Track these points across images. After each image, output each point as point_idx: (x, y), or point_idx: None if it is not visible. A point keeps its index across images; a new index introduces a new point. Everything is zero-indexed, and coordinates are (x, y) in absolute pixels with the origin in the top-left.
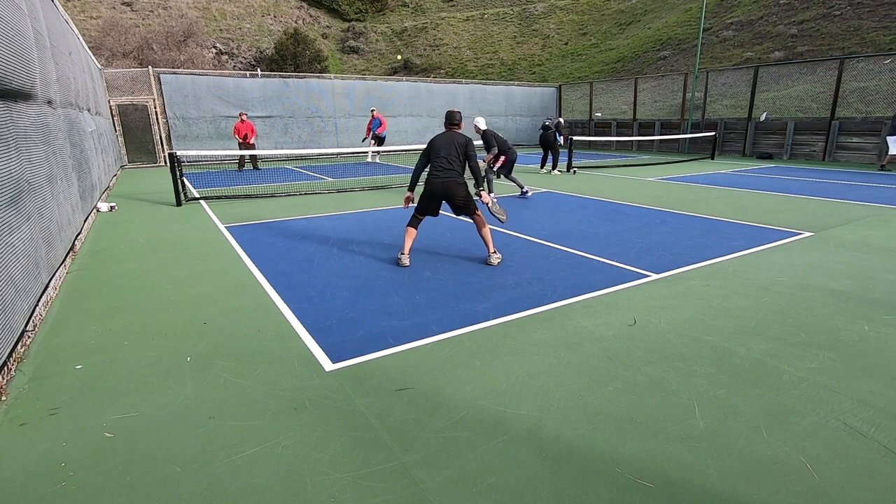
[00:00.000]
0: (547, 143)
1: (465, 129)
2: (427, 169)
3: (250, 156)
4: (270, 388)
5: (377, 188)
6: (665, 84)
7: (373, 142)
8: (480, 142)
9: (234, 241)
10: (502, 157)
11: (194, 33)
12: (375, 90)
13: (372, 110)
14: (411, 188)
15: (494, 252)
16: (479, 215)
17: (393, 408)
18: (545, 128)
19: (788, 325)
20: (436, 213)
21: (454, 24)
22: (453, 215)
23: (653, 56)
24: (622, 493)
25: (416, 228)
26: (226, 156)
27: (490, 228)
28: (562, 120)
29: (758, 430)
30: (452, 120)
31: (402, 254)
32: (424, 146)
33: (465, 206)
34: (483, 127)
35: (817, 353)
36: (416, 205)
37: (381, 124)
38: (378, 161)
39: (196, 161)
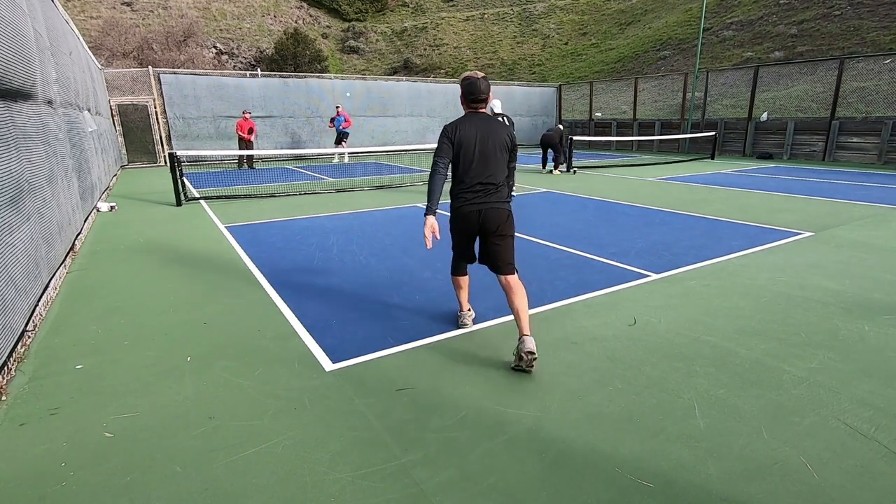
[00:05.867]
0: (549, 143)
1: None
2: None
3: (247, 155)
4: (270, 388)
5: (377, 188)
6: (665, 84)
7: (343, 143)
8: None
9: (234, 241)
10: None
11: (194, 33)
12: (375, 90)
13: (337, 107)
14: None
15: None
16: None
17: (393, 408)
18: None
19: (788, 325)
20: (472, 259)
21: (454, 24)
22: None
23: (653, 56)
24: (622, 493)
25: (465, 273)
26: (226, 156)
27: None
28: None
29: (758, 430)
30: (478, 94)
31: (461, 311)
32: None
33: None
34: (496, 110)
35: (817, 353)
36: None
37: (345, 120)
38: (346, 162)
39: (196, 161)
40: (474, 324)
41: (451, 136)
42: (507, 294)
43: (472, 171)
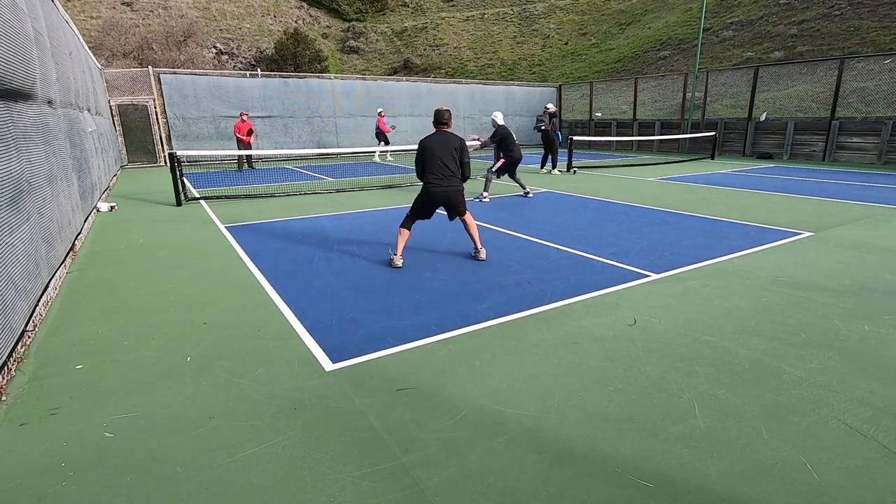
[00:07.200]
0: (544, 141)
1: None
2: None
3: (247, 156)
4: (270, 388)
5: (377, 188)
6: (665, 84)
7: (382, 142)
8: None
9: (234, 241)
10: (501, 160)
11: (194, 33)
12: (375, 90)
13: (379, 111)
14: None
15: (482, 248)
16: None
17: (393, 408)
18: (542, 130)
19: (788, 325)
20: (429, 217)
21: (454, 24)
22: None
23: (653, 56)
24: (622, 493)
25: (410, 230)
26: (226, 156)
27: (480, 225)
28: (549, 107)
29: (758, 430)
30: (441, 119)
31: (395, 254)
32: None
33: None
34: (499, 122)
35: (817, 353)
36: (412, 207)
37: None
38: (389, 160)
39: (196, 161)
40: (473, 325)
41: (421, 147)
42: (464, 225)
43: (435, 167)
